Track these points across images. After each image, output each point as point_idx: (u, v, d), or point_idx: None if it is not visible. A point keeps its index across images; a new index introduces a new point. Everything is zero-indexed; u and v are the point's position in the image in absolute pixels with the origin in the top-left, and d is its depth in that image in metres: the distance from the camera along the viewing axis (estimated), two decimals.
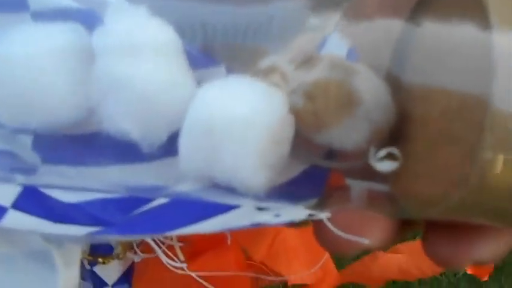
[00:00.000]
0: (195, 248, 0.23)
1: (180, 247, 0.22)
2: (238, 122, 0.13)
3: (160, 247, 0.23)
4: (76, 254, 0.16)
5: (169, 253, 0.23)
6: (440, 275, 1.02)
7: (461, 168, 0.11)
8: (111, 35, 0.13)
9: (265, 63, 0.14)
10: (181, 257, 0.21)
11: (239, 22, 0.16)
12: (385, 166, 0.12)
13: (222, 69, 0.16)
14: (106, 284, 0.33)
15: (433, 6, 0.13)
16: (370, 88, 0.13)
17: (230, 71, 0.15)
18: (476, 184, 0.11)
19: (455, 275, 1.03)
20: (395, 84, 0.14)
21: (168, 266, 0.21)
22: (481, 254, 0.13)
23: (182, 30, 0.16)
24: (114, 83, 0.13)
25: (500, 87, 0.10)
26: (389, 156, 0.12)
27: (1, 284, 0.15)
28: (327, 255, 0.32)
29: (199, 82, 0.15)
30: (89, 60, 0.14)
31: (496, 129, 0.10)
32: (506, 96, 0.10)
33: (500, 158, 0.10)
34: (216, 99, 0.13)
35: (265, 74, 0.14)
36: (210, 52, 0.16)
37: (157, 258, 0.24)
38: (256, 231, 0.16)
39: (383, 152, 0.12)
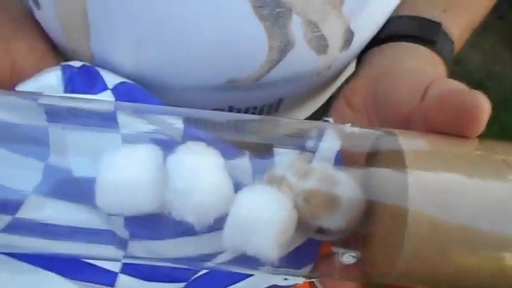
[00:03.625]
0: None
1: None
2: (260, 221, 0.20)
3: None
4: None
5: None
6: None
7: (394, 258, 0.18)
8: (179, 165, 0.21)
9: (278, 172, 0.22)
10: None
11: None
12: (348, 260, 0.20)
13: (247, 158, 0.23)
14: None
15: (377, 160, 0.21)
16: (347, 194, 0.21)
17: (252, 159, 0.23)
18: (401, 271, 0.18)
19: None
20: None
21: None
22: None
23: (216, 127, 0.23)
24: (180, 194, 0.21)
25: (412, 215, 0.18)
26: (351, 255, 0.20)
27: None
28: None
29: (233, 172, 0.22)
30: (162, 173, 0.21)
31: (410, 241, 0.18)
32: (417, 219, 0.18)
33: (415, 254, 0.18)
34: (246, 205, 0.20)
35: (278, 184, 0.21)
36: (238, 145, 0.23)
37: None
38: None
39: (346, 255, 0.20)
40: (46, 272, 0.22)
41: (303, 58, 0.30)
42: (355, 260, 0.20)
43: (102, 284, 0.22)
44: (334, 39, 0.30)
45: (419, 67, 0.29)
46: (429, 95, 0.23)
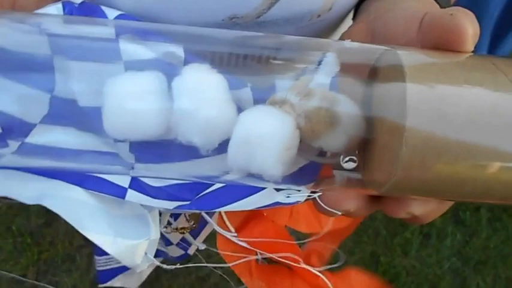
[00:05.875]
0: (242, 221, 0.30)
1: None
2: (264, 138, 0.21)
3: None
4: (157, 217, 0.25)
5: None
6: (427, 267, 1.05)
7: (391, 167, 0.19)
8: (185, 84, 0.21)
9: (280, 95, 0.22)
10: (232, 228, 0.29)
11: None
12: (348, 166, 0.21)
13: (248, 89, 0.23)
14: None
15: (379, 73, 0.21)
16: (346, 113, 0.21)
17: (254, 90, 0.23)
18: (399, 178, 0.19)
19: (440, 267, 1.07)
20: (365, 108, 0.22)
21: (223, 235, 0.29)
22: (414, 210, 0.21)
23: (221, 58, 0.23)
24: (186, 113, 0.21)
25: (410, 120, 0.18)
26: (352, 160, 0.21)
27: (119, 233, 0.23)
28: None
29: (235, 101, 0.22)
30: (167, 97, 0.22)
31: (408, 146, 0.18)
32: (414, 125, 0.18)
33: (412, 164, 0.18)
34: (250, 123, 0.21)
35: (280, 104, 0.22)
36: (239, 75, 0.24)
37: None
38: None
39: (346, 159, 0.20)
40: (58, 180, 0.23)
41: None
42: (355, 165, 0.21)
43: (114, 195, 0.22)
44: None
45: (415, 6, 0.29)
46: (424, 20, 0.23)
